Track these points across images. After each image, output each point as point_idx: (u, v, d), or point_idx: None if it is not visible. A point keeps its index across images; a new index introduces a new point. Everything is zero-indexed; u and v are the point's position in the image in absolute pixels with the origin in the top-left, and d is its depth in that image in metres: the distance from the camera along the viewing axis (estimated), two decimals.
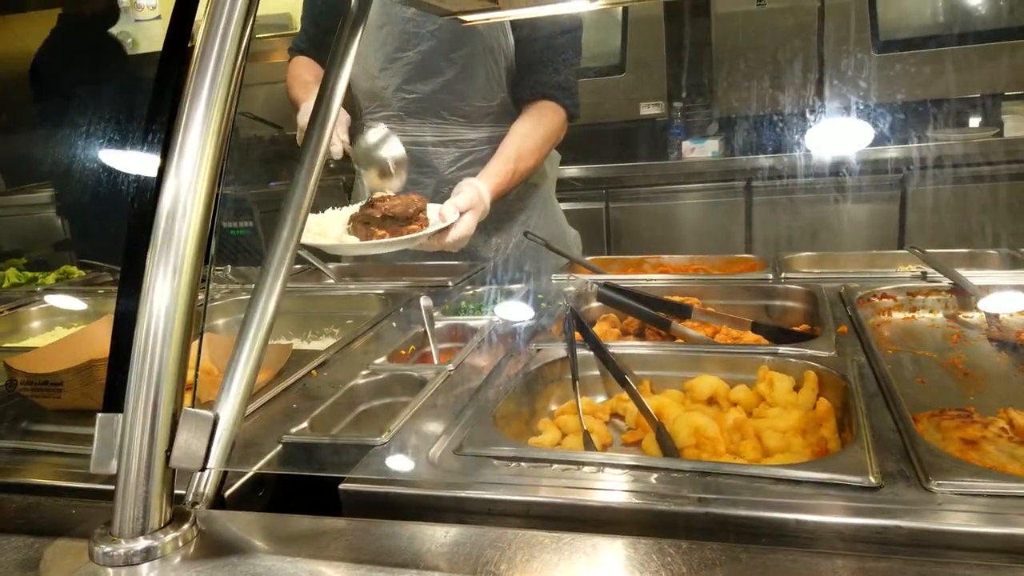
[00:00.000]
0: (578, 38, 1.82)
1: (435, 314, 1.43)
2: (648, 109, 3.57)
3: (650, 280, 1.64)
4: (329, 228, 1.55)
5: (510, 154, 1.72)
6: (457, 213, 1.54)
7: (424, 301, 1.41)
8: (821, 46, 3.35)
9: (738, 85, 3.50)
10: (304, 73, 1.88)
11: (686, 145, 3.58)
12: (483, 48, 1.74)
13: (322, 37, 1.89)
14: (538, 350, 1.23)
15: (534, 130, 1.78)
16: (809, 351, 1.13)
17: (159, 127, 0.87)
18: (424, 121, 1.84)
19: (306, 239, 1.50)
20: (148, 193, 0.84)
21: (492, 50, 1.76)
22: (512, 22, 1.73)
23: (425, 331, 1.37)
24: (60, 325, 1.82)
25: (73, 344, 1.24)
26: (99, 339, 1.26)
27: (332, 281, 1.90)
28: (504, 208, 1.85)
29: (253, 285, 0.90)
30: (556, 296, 1.53)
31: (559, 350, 1.22)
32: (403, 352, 1.33)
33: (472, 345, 1.28)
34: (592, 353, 1.20)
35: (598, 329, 1.46)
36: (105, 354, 1.09)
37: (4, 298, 1.90)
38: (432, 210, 1.55)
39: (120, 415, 0.78)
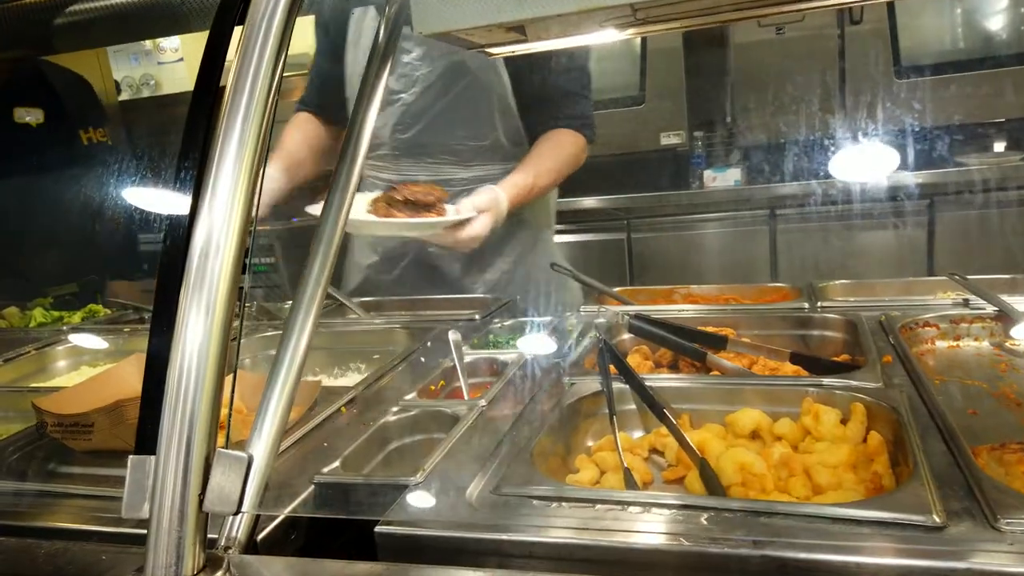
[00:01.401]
0: (587, 66, 1.84)
1: (464, 348, 1.41)
2: (669, 139, 3.56)
3: (681, 310, 1.61)
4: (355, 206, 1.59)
5: (530, 168, 1.73)
6: (474, 211, 1.55)
7: (452, 335, 1.39)
8: (842, 72, 3.33)
9: (759, 113, 3.49)
10: (288, 141, 1.92)
11: (707, 174, 3.56)
12: (476, 88, 1.76)
13: (324, 90, 1.94)
14: (572, 384, 1.20)
15: (555, 151, 1.80)
16: (854, 382, 1.09)
17: (191, 165, 0.86)
18: (417, 161, 1.85)
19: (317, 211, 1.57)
20: (180, 231, 0.83)
21: (485, 90, 1.77)
22: (506, 60, 1.75)
23: (454, 366, 1.35)
24: (86, 364, 1.81)
25: (101, 384, 1.22)
26: (127, 378, 1.25)
27: (357, 316, 1.88)
28: (494, 244, 1.85)
29: (278, 321, 0.88)
30: (586, 328, 1.50)
31: (593, 384, 1.19)
32: (432, 387, 1.30)
33: (503, 380, 1.25)
34: (628, 387, 1.17)
35: (630, 361, 1.43)
36: (133, 394, 1.08)
37: (31, 337, 1.90)
38: (450, 209, 1.55)
39: (152, 457, 0.76)
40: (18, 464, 1.12)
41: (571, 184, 3.69)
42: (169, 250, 0.83)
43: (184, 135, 0.88)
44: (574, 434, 1.12)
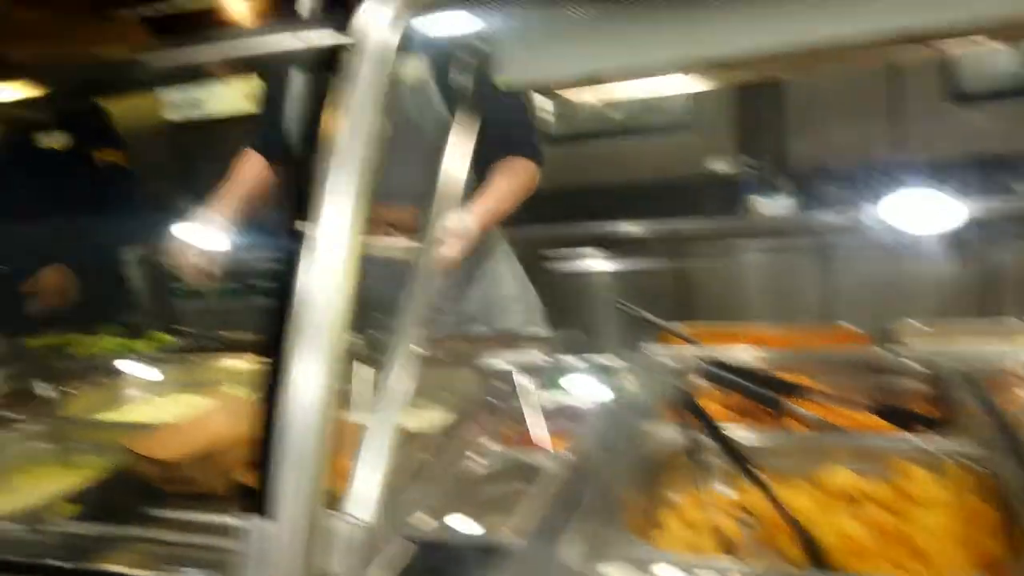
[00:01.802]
0: (525, 94, 1.94)
1: (531, 390, 1.41)
2: (716, 165, 3.54)
3: (748, 352, 1.59)
4: None
5: (491, 195, 1.87)
6: (449, 236, 1.67)
7: (519, 378, 1.39)
8: (901, 97, 3.28)
9: (813, 138, 3.46)
10: (238, 171, 2.14)
11: (757, 201, 3.52)
12: (424, 138, 1.70)
13: (271, 131, 2.07)
14: (650, 433, 1.20)
15: (511, 179, 1.92)
16: (950, 441, 1.07)
17: (299, 215, 0.88)
18: (376, 201, 1.98)
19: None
20: (291, 282, 0.84)
21: (431, 137, 1.72)
22: (448, 104, 1.85)
23: (524, 409, 1.35)
24: (156, 394, 1.84)
25: (191, 427, 1.24)
26: (216, 421, 1.27)
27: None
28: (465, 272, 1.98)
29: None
30: (654, 370, 1.49)
31: (672, 434, 1.18)
32: (507, 432, 1.30)
33: (578, 427, 1.25)
34: (710, 439, 1.15)
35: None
36: (222, 439, 1.10)
37: (100, 366, 1.94)
38: None
39: (263, 519, 0.77)
40: (109, 505, 1.14)
41: (612, 209, 3.70)
42: (279, 301, 0.84)
43: (293, 180, 0.89)
44: (655, 488, 1.11)
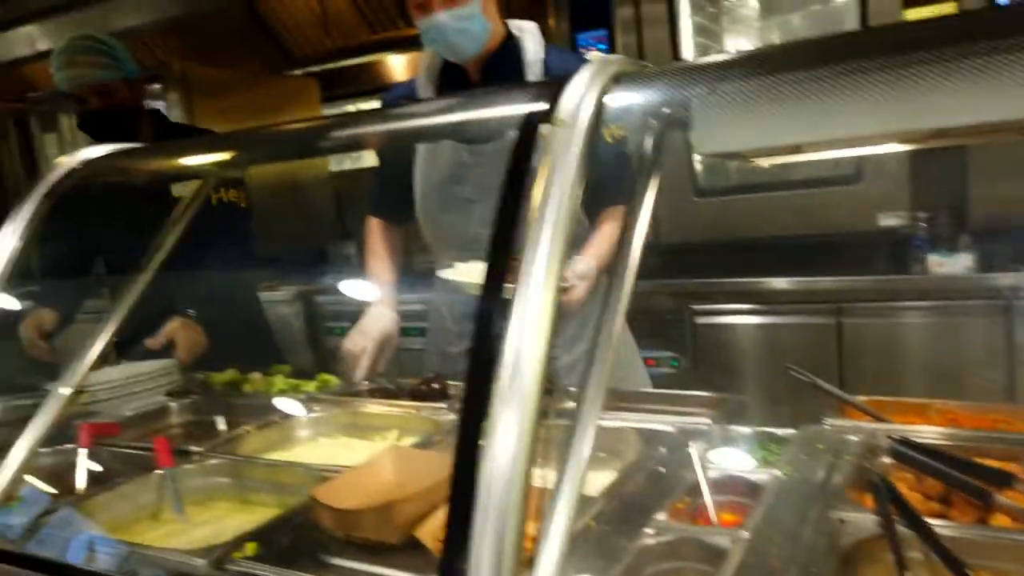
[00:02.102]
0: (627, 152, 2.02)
1: (703, 460, 1.34)
2: (887, 220, 3.33)
3: (945, 434, 1.45)
4: (474, 272, 1.88)
5: (605, 242, 2.01)
6: (576, 279, 1.84)
7: (694, 448, 1.33)
8: None
9: (996, 192, 3.19)
10: (374, 242, 2.29)
11: (932, 259, 3.28)
12: None
13: (391, 197, 2.25)
14: (841, 521, 1.11)
15: (619, 225, 1.99)
16: None
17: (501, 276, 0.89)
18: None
19: (451, 275, 1.92)
20: (495, 343, 0.85)
21: None
22: None
23: (697, 481, 1.29)
24: (323, 436, 1.92)
25: (365, 476, 1.27)
26: (384, 472, 1.30)
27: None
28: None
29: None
30: (837, 446, 1.39)
31: (868, 523, 1.08)
32: (679, 505, 1.25)
33: (760, 505, 1.18)
34: (910, 530, 1.05)
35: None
36: (389, 487, 1.12)
37: (273, 405, 2.04)
38: None
39: None
40: (290, 550, 1.18)
41: (770, 263, 3.55)
42: (481, 363, 0.84)
43: (491, 244, 0.90)
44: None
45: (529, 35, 2.05)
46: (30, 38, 5.57)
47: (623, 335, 2.43)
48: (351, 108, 5.67)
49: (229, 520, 1.56)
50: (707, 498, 1.25)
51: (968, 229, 3.32)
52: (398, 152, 2.21)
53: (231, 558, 1.14)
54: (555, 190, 0.86)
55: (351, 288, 5.05)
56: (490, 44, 2.01)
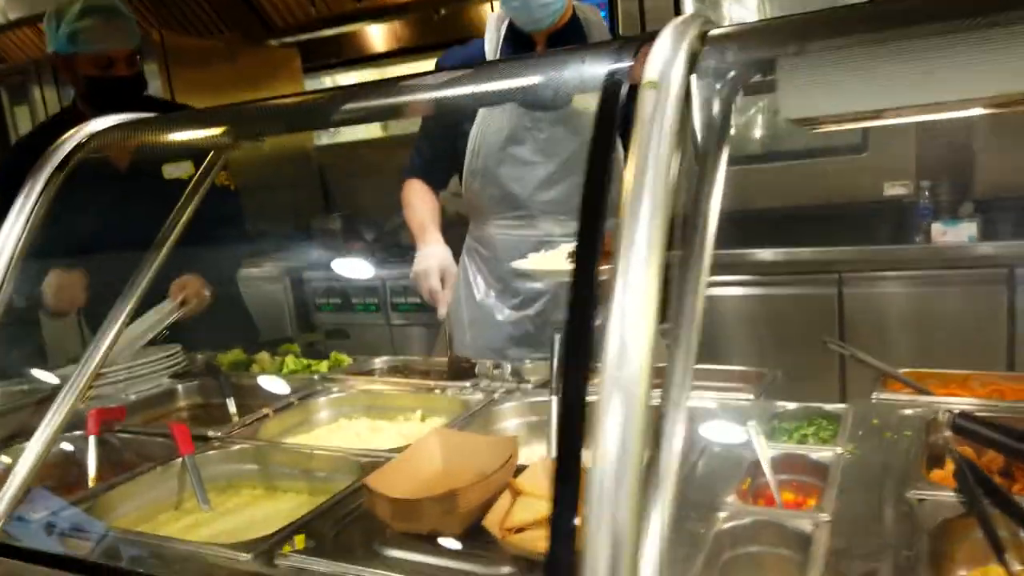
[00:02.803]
0: None
1: (762, 438, 1.30)
2: (893, 189, 3.30)
3: (991, 406, 1.43)
4: (551, 261, 1.88)
5: None
6: None
7: (752, 427, 1.28)
8: None
9: (1002, 162, 3.18)
10: (416, 198, 2.24)
11: (936, 228, 3.26)
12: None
13: (433, 162, 2.27)
14: (919, 500, 1.07)
15: None
16: None
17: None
18: (552, 218, 2.16)
19: (527, 266, 1.89)
20: (590, 328, 0.79)
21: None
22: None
23: (756, 461, 1.25)
24: (344, 417, 1.85)
25: (413, 462, 1.21)
26: (433, 457, 1.24)
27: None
28: None
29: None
30: (894, 421, 1.35)
31: (948, 499, 1.05)
32: (743, 487, 1.20)
33: (831, 487, 1.14)
34: (995, 507, 1.02)
35: (951, 466, 1.27)
36: (440, 473, 1.06)
37: (293, 387, 1.97)
38: None
39: None
40: (341, 541, 1.12)
41: (776, 233, 3.52)
42: (575, 349, 0.79)
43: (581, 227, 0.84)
44: (941, 562, 0.98)
45: (594, 22, 2.15)
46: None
47: None
48: (330, 80, 5.53)
49: (257, 509, 1.49)
50: (770, 478, 1.21)
51: (972, 197, 3.31)
52: (447, 117, 2.19)
53: (281, 552, 1.08)
54: (651, 161, 0.79)
55: (339, 265, 4.94)
56: (561, 19, 2.06)
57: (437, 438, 1.27)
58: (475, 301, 2.29)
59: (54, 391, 1.91)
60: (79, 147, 1.34)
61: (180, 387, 2.09)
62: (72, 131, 1.37)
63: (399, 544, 1.09)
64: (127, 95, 2.35)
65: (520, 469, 1.18)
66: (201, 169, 1.54)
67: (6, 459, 1.61)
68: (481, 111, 2.14)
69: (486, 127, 2.16)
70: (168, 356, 2.14)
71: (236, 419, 1.89)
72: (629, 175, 0.81)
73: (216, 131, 1.50)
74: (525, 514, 1.03)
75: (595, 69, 0.91)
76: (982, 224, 3.22)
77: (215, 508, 1.48)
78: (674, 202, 0.81)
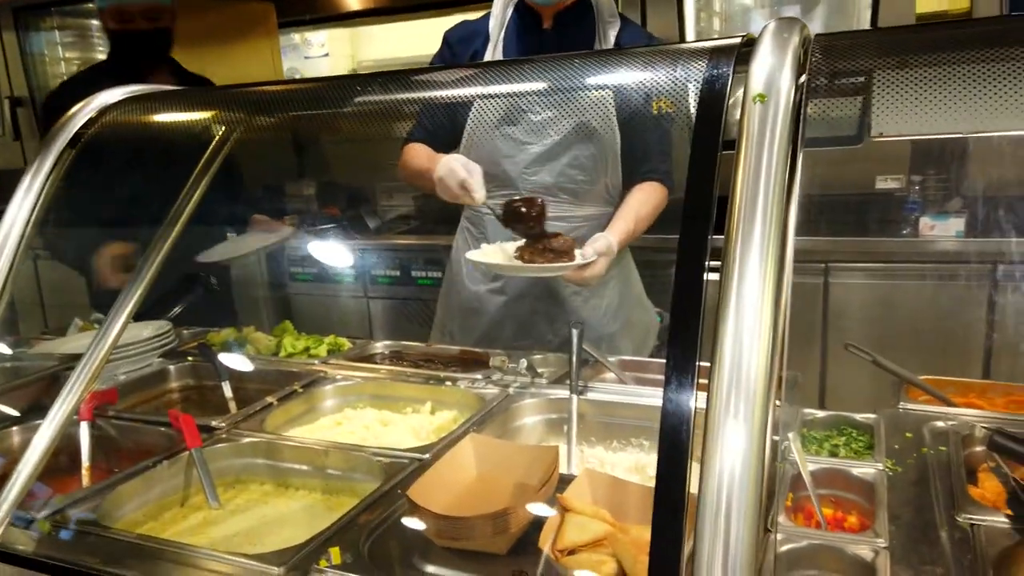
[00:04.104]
0: (672, 129, 2.12)
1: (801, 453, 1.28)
2: (886, 183, 3.32)
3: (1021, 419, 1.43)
4: (496, 254, 1.92)
5: (631, 215, 2.06)
6: (595, 255, 1.88)
7: (795, 440, 1.26)
8: None
9: (992, 158, 3.20)
10: (423, 151, 2.17)
11: (924, 221, 3.29)
12: (595, 143, 2.08)
13: (435, 132, 2.22)
14: (971, 524, 1.06)
15: (648, 199, 2.11)
16: None
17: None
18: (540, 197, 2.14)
19: (478, 257, 1.92)
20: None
21: (602, 145, 2.08)
22: (619, 121, 2.06)
23: (797, 473, 1.22)
24: (349, 407, 1.79)
25: (454, 471, 1.16)
26: (469, 466, 1.19)
27: (616, 380, 1.78)
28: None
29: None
30: (928, 435, 1.34)
31: (999, 524, 1.04)
32: (787, 503, 1.18)
33: (880, 508, 1.12)
34: None
35: (988, 485, 1.27)
36: (485, 485, 1.02)
37: (292, 372, 1.89)
38: (577, 255, 1.88)
39: None
40: (378, 554, 1.07)
41: None
42: (682, 355, 0.74)
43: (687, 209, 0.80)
44: None
45: (603, 1, 2.12)
46: None
47: (642, 298, 2.39)
48: (298, 37, 5.36)
49: (268, 507, 1.43)
50: (812, 495, 1.19)
51: (961, 193, 3.33)
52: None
53: (317, 568, 1.02)
54: (763, 177, 0.75)
55: (314, 234, 4.82)
56: None
57: (471, 445, 1.22)
58: (464, 284, 2.25)
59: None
60: (90, 123, 1.24)
61: (172, 368, 2.00)
62: (81, 104, 1.27)
63: (441, 560, 1.05)
64: (148, 52, 2.27)
65: (564, 479, 1.14)
66: (212, 146, 1.45)
67: None
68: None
69: (485, 104, 2.13)
70: (159, 335, 2.03)
71: (233, 404, 1.82)
72: (739, 192, 0.76)
73: (230, 113, 1.42)
74: (578, 535, 0.99)
75: (688, 73, 0.85)
76: (969, 220, 3.25)
77: (224, 506, 1.41)
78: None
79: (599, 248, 1.94)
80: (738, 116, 0.79)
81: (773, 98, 0.78)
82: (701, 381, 0.76)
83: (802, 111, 0.88)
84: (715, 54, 0.84)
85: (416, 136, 2.29)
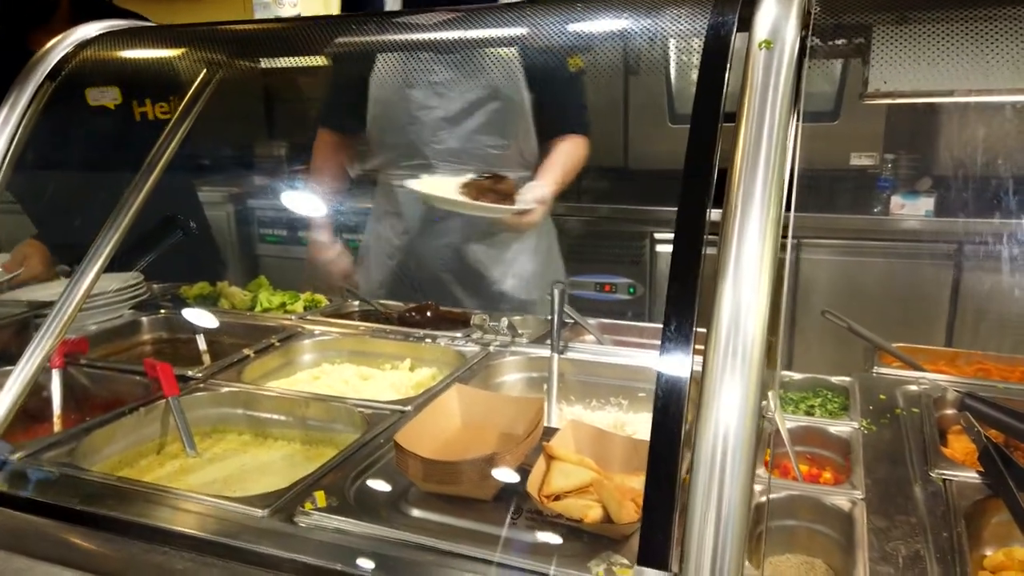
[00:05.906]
0: (584, 79, 2.13)
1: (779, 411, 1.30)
2: (859, 160, 3.36)
3: (991, 385, 1.47)
4: (442, 187, 1.92)
5: (559, 168, 2.08)
6: (535, 203, 1.95)
7: (774, 398, 1.28)
8: None
9: (964, 138, 3.26)
10: (319, 159, 2.27)
11: (895, 200, 3.35)
12: (503, 106, 2.07)
13: (339, 108, 2.26)
14: (943, 479, 1.09)
15: (572, 154, 2.14)
16: None
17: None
18: (449, 167, 2.13)
19: (421, 187, 1.93)
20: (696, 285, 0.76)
21: (510, 107, 2.07)
22: (528, 80, 2.05)
23: (772, 431, 1.25)
24: (327, 362, 1.77)
25: (440, 419, 1.16)
26: (454, 414, 1.19)
27: (595, 341, 1.79)
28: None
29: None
30: (900, 397, 1.38)
31: (970, 479, 1.08)
32: (765, 458, 1.20)
33: (856, 464, 1.15)
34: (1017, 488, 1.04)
35: (956, 443, 1.31)
36: (461, 430, 1.02)
37: (267, 327, 1.87)
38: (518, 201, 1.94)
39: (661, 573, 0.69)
40: (363, 499, 1.07)
41: None
42: (680, 312, 0.75)
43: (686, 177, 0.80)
44: (971, 542, 1.01)
45: None
46: None
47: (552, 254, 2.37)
48: None
49: (246, 456, 1.42)
50: (790, 451, 1.21)
51: (932, 173, 3.39)
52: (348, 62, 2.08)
53: (301, 509, 1.02)
54: (766, 126, 0.75)
55: (285, 196, 4.75)
56: None
57: (457, 396, 1.22)
58: (387, 239, 2.29)
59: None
60: (67, 58, 1.20)
61: (144, 320, 1.96)
62: (59, 37, 1.22)
63: (426, 505, 1.05)
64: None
65: (548, 431, 1.14)
66: (191, 92, 1.41)
67: None
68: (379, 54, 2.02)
69: (384, 70, 2.07)
70: (130, 287, 1.99)
71: (207, 357, 1.80)
72: (741, 141, 0.76)
73: (212, 53, 1.38)
74: (564, 481, 1.00)
75: (692, 21, 0.85)
76: (938, 200, 3.31)
77: (201, 455, 1.40)
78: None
79: (537, 195, 1.97)
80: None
81: (779, 45, 0.78)
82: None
83: (803, 66, 0.89)
84: (719, 2, 0.84)
85: (322, 115, 2.30)
